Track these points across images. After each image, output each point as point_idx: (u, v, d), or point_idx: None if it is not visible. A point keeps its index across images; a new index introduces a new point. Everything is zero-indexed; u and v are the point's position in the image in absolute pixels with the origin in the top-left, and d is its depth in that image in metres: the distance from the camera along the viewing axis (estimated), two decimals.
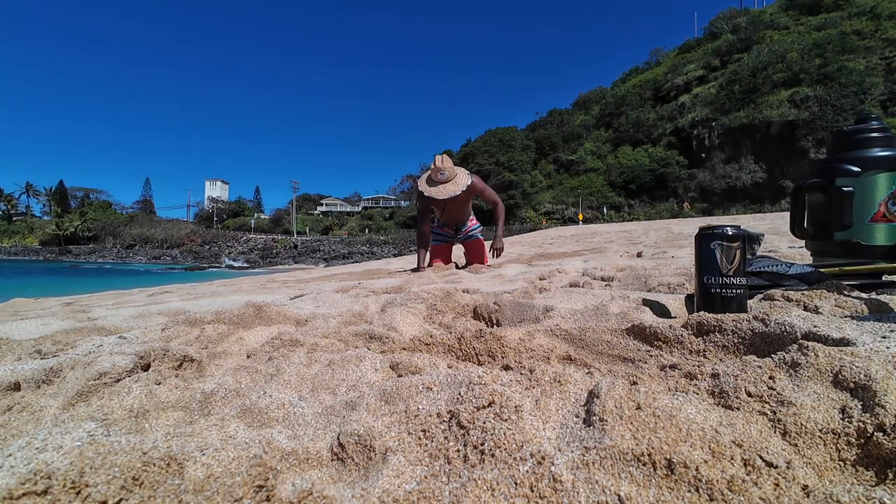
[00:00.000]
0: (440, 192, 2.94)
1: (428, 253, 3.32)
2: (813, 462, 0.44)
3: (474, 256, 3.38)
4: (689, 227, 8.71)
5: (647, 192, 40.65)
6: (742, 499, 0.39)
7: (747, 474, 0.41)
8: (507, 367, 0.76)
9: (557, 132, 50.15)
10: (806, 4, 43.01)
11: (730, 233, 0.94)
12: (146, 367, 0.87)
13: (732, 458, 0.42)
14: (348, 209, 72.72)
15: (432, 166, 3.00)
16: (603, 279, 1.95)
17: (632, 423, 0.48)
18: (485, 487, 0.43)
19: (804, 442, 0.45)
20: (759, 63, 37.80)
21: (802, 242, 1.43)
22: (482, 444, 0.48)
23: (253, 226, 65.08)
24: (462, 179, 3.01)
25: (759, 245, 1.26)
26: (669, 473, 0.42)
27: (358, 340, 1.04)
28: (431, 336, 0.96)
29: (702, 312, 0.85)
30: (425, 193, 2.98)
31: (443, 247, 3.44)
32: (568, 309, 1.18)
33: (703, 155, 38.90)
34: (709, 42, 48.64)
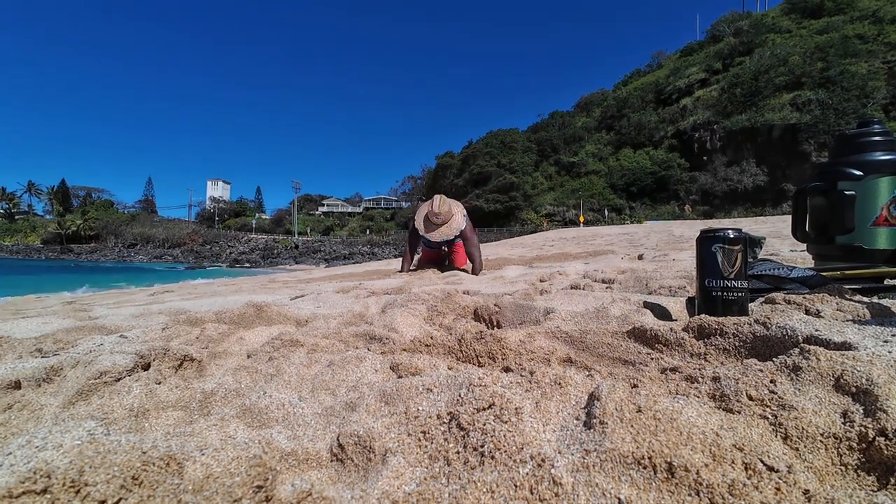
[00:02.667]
0: (435, 236, 3.13)
1: (416, 257, 3.52)
2: (814, 466, 0.44)
3: (457, 259, 3.55)
4: (691, 229, 8.70)
5: (649, 195, 40.60)
6: (743, 503, 0.38)
7: (748, 478, 0.41)
8: (507, 369, 0.76)
9: (559, 134, 50.14)
10: (808, 8, 42.99)
11: (731, 236, 0.93)
12: (146, 367, 0.87)
13: (733, 462, 0.42)
14: (349, 210, 72.80)
15: (429, 208, 3.16)
16: (604, 281, 1.95)
17: (632, 425, 0.48)
18: (484, 489, 0.43)
19: (805, 446, 0.45)
20: (760, 66, 37.78)
21: (804, 246, 1.43)
22: (482, 446, 0.47)
23: (254, 226, 65.13)
24: (456, 223, 3.16)
25: (761, 248, 1.26)
26: (670, 477, 0.41)
27: (358, 341, 1.04)
28: (432, 337, 0.96)
29: (703, 315, 0.85)
30: (423, 235, 3.17)
31: (432, 253, 3.59)
32: (569, 311, 1.18)
33: (705, 158, 38.86)
34: (711, 45, 48.61)
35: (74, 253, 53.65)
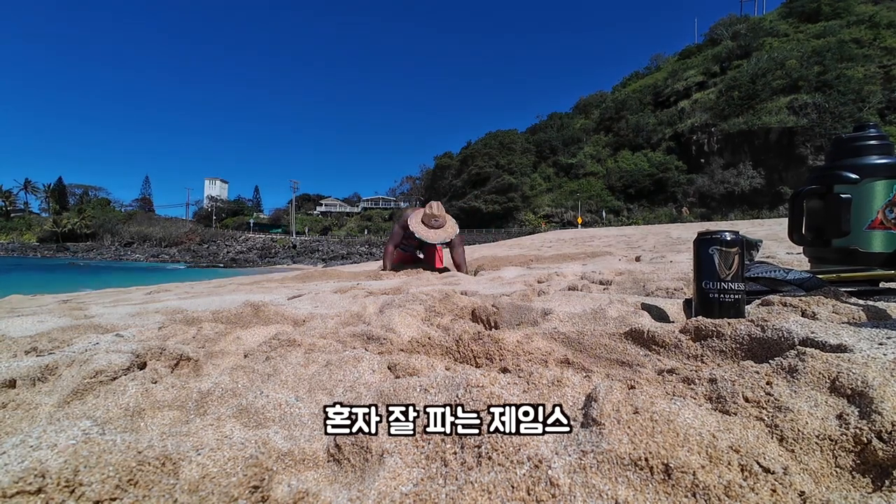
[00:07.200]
0: (434, 237, 3.30)
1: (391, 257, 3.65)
2: (810, 468, 0.44)
3: (430, 259, 3.68)
4: (688, 231, 8.73)
5: (647, 197, 40.70)
6: None
7: (744, 480, 0.41)
8: (504, 370, 0.76)
9: (557, 136, 50.21)
10: (805, 12, 43.24)
11: (728, 238, 0.94)
12: (142, 366, 0.87)
13: (730, 464, 0.42)
14: (347, 210, 72.68)
15: (427, 210, 3.32)
16: (601, 283, 1.95)
17: (629, 427, 0.48)
18: (481, 490, 0.43)
19: (801, 448, 0.45)
20: (758, 70, 37.96)
21: (800, 248, 1.44)
22: (479, 447, 0.47)
23: (252, 225, 64.94)
24: (451, 228, 3.37)
25: (758, 251, 1.27)
26: (667, 478, 0.42)
27: (356, 341, 1.03)
28: (429, 338, 0.96)
29: (700, 317, 0.85)
30: (423, 238, 3.29)
31: (409, 255, 3.74)
32: (566, 312, 1.18)
33: (703, 160, 39.00)
34: (709, 48, 48.79)
35: (70, 251, 53.34)
